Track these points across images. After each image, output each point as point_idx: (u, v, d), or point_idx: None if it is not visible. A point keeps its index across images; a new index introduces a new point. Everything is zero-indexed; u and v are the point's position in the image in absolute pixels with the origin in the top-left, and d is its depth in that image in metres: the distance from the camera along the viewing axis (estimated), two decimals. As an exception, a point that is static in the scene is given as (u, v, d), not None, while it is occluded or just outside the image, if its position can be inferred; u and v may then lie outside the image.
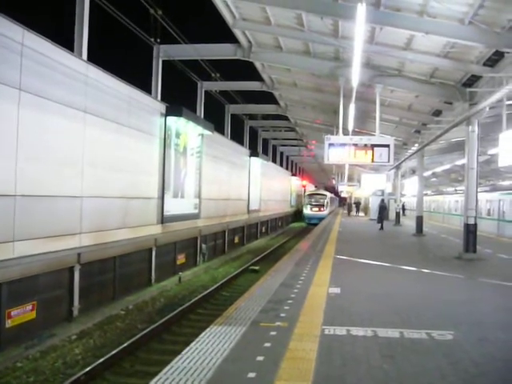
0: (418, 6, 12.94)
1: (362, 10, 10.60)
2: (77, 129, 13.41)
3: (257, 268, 22.02)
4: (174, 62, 21.92)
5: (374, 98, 19.50)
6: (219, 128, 28.82)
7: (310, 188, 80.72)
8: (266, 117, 40.16)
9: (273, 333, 7.25)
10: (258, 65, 23.09)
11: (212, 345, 6.68)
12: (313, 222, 50.35)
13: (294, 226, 58.57)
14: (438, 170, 43.42)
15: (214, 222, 26.17)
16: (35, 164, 11.63)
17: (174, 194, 20.37)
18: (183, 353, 6.39)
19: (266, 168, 42.26)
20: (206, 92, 28.20)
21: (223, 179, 28.81)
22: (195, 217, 23.17)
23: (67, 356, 10.27)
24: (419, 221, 29.09)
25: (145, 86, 19.01)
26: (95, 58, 14.98)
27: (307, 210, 57.40)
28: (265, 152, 46.04)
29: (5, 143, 10.71)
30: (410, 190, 47.00)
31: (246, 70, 25.08)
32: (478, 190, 18.52)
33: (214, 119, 25.85)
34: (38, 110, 11.71)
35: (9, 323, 10.66)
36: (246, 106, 34.69)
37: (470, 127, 17.42)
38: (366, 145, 17.02)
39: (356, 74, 15.31)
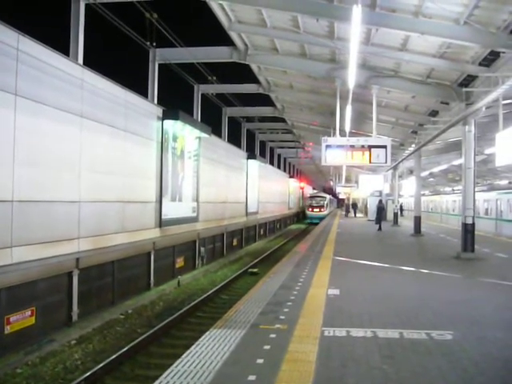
0: (413, 6, 12.98)
1: (357, 12, 10.62)
2: (73, 133, 13.40)
3: (256, 270, 22.01)
4: (170, 65, 21.93)
5: (371, 99, 19.55)
6: (216, 131, 28.82)
7: (308, 190, 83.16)
8: (263, 119, 40.22)
9: (272, 335, 7.25)
10: (254, 67, 23.15)
11: (212, 348, 6.67)
12: (314, 222, 55.46)
13: (292, 228, 58.57)
14: (436, 170, 43.57)
15: (212, 225, 26.14)
16: (32, 169, 11.62)
17: (172, 198, 20.36)
18: (183, 356, 6.38)
19: (264, 170, 42.27)
20: (202, 95, 28.23)
21: (221, 182, 28.81)
22: (193, 220, 23.15)
23: (67, 361, 10.24)
24: (417, 221, 29.12)
25: (141, 90, 19.02)
26: (91, 62, 15.01)
27: (309, 211, 64.15)
28: (262, 154, 46.07)
29: (1, 149, 10.69)
30: (408, 190, 47.05)
31: (242, 72, 25.15)
32: (476, 189, 18.51)
33: (211, 122, 25.90)
34: (33, 115, 11.69)
35: (8, 329, 10.62)
36: (242, 108, 34.71)
37: (467, 127, 17.46)
38: (363, 146, 17.03)
39: (352, 76, 15.33)
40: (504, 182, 40.35)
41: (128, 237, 16.28)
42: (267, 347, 6.68)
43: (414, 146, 29.43)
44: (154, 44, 19.98)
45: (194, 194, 23.36)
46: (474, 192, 17.79)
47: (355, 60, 14.04)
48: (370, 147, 16.94)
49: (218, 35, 19.75)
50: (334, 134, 20.43)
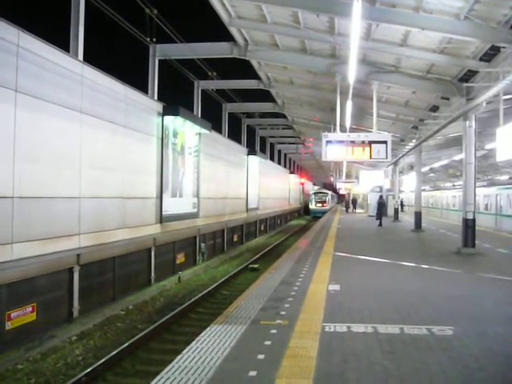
0: (413, 1, 12.95)
1: (357, 7, 10.59)
2: (73, 129, 13.40)
3: (256, 266, 22.03)
4: (170, 61, 21.91)
5: (371, 95, 19.53)
6: (217, 127, 28.81)
7: (309, 185, 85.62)
8: (264, 115, 40.23)
9: (273, 331, 7.25)
10: (254, 63, 23.12)
11: (213, 344, 6.68)
12: (318, 216, 59.56)
13: (292, 223, 58.60)
14: (436, 165, 43.56)
15: (212, 220, 26.16)
16: (33, 165, 11.62)
17: (173, 194, 20.36)
18: (184, 352, 6.39)
19: (264, 166, 42.26)
20: (202, 91, 28.20)
21: (221, 178, 28.82)
22: (194, 216, 23.16)
23: (68, 357, 10.26)
24: (418, 216, 29.10)
25: (141, 86, 19.02)
26: (91, 58, 14.99)
27: (313, 206, 69.52)
28: (262, 150, 46.04)
29: (2, 145, 10.69)
30: (408, 185, 47.04)
31: (242, 68, 25.11)
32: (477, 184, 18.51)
33: (211, 118, 25.90)
34: (34, 111, 11.69)
35: (9, 325, 10.65)
36: (243, 104, 34.69)
37: (468, 122, 17.42)
38: (363, 141, 17.02)
39: (352, 71, 15.30)
40: (504, 178, 40.39)
41: (129, 233, 16.29)
42: (268, 343, 6.68)
43: (414, 141, 29.39)
44: (154, 40, 19.99)
45: (195, 190, 23.36)
46: (475, 187, 17.78)
47: (355, 55, 14.01)
48: (371, 143, 16.94)
49: (218, 31, 19.76)
50: (335, 129, 20.42)
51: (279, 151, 59.01)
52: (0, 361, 9.83)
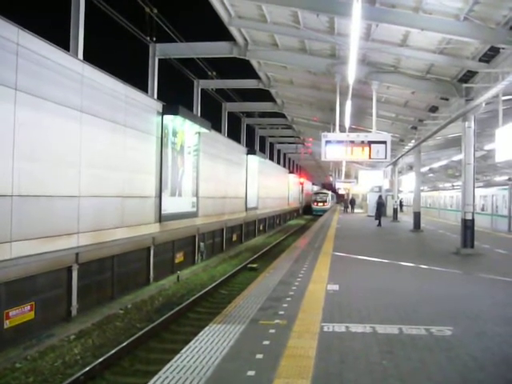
0: (413, 2, 12.97)
1: (357, 7, 10.58)
2: (73, 128, 13.40)
3: (255, 266, 22.03)
4: (170, 60, 21.90)
5: (371, 95, 19.53)
6: (216, 126, 28.80)
7: (308, 185, 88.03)
8: (263, 114, 40.20)
9: (272, 330, 7.26)
10: (254, 63, 23.11)
11: (211, 343, 6.68)
12: (319, 214, 65.16)
13: (291, 223, 58.61)
14: (435, 165, 43.57)
15: (211, 220, 26.16)
16: (32, 164, 11.62)
17: (172, 193, 20.36)
18: (182, 351, 6.39)
19: (264, 166, 42.25)
20: (202, 90, 28.19)
21: (221, 177, 28.82)
22: (193, 215, 23.16)
23: (66, 356, 10.25)
24: (417, 217, 29.12)
25: (141, 85, 19.00)
26: (91, 56, 14.98)
27: (314, 205, 75.80)
28: (262, 150, 46.02)
29: (1, 143, 10.69)
30: (407, 186, 47.12)
31: (242, 67, 25.09)
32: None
33: (210, 117, 25.88)
34: (34, 109, 11.69)
35: (7, 324, 10.65)
36: (242, 103, 34.68)
37: (467, 123, 17.44)
38: (362, 141, 17.05)
39: (352, 71, 15.29)
40: (501, 178, 40.57)
41: (127, 232, 16.29)
42: (266, 342, 6.69)
43: (413, 141, 29.42)
44: (154, 39, 19.98)
45: (194, 189, 23.36)
46: (474, 188, 17.79)
47: (355, 55, 13.99)
48: (370, 143, 16.97)
49: (218, 30, 19.75)
50: (334, 129, 20.42)
51: (278, 151, 59.01)
52: (-2, 359, 9.84)
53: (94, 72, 14.55)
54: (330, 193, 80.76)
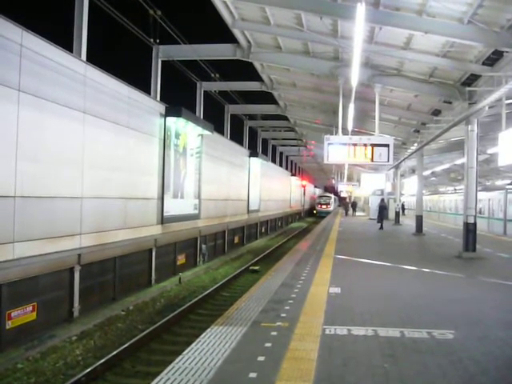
0: (417, 5, 12.95)
1: (361, 10, 10.60)
2: (76, 130, 13.39)
3: (257, 268, 22.03)
4: (173, 62, 21.91)
5: (374, 98, 19.51)
6: (219, 128, 28.81)
7: (310, 188, 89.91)
8: (266, 117, 40.17)
9: (273, 333, 7.25)
10: (257, 65, 23.10)
11: (213, 345, 6.68)
12: (322, 215, 70.29)
13: (293, 226, 58.58)
14: (438, 169, 43.54)
15: (213, 222, 26.15)
16: (35, 165, 11.61)
17: (174, 195, 20.36)
18: (184, 353, 6.39)
19: (266, 168, 42.22)
20: (205, 92, 28.20)
21: (223, 179, 28.80)
22: (195, 217, 23.15)
23: (68, 357, 10.26)
24: (419, 220, 29.10)
25: (144, 87, 19.01)
26: (94, 58, 14.99)
27: (318, 207, 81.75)
28: (264, 152, 46.03)
29: (4, 144, 10.68)
30: (409, 189, 47.21)
31: (245, 70, 25.11)
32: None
33: (213, 119, 25.83)
34: (37, 110, 11.69)
35: (9, 324, 10.66)
36: (245, 106, 34.65)
37: (470, 126, 17.42)
38: (365, 144, 17.06)
39: (355, 74, 15.31)
40: (503, 182, 40.83)
41: (130, 233, 16.29)
42: (268, 345, 6.68)
43: (416, 144, 29.42)
44: (158, 41, 19.99)
45: (196, 191, 23.35)
46: (476, 191, 17.78)
47: (358, 58, 14.01)
48: (373, 146, 16.98)
49: (221, 33, 19.78)
50: (337, 132, 20.37)
51: (281, 153, 58.99)
52: (0, 360, 9.83)
53: (97, 73, 14.55)
54: (332, 196, 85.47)
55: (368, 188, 46.88)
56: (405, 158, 33.36)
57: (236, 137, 35.41)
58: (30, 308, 11.34)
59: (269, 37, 19.11)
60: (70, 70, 13.08)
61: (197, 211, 23.40)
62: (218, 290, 17.44)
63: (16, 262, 10.83)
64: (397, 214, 38.34)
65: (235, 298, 13.89)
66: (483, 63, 15.40)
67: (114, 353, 10.16)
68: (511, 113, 17.14)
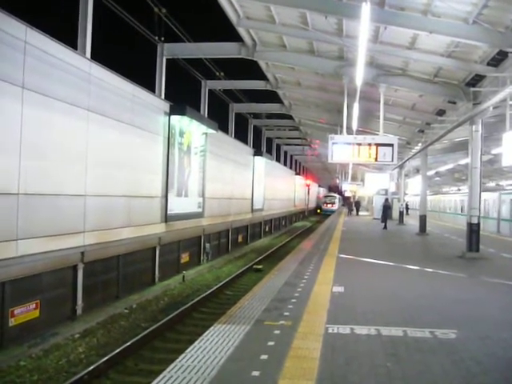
0: (422, 5, 12.94)
1: (366, 9, 10.60)
2: (80, 127, 13.40)
3: (260, 267, 22.02)
4: (177, 60, 21.92)
5: (378, 98, 19.50)
6: (223, 127, 28.78)
7: (314, 187, 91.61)
8: (270, 116, 40.15)
9: (277, 331, 7.26)
10: (262, 64, 23.09)
11: (216, 343, 6.69)
12: (328, 213, 72.37)
13: (297, 225, 58.56)
14: (442, 169, 43.52)
15: (217, 220, 26.16)
16: (38, 162, 11.62)
17: (178, 193, 20.36)
18: (187, 351, 6.40)
19: (270, 167, 42.18)
20: (209, 91, 28.17)
21: (227, 178, 28.79)
22: (199, 216, 23.16)
23: (71, 354, 10.27)
24: (423, 220, 29.08)
25: (148, 85, 19.01)
26: (99, 56, 15.00)
27: (324, 206, 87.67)
28: (269, 151, 45.96)
29: (8, 141, 10.70)
30: (414, 189, 47.22)
31: (250, 68, 25.04)
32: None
33: (217, 118, 25.86)
34: (40, 108, 11.69)
35: (12, 322, 10.67)
36: (250, 104, 34.63)
37: (474, 127, 17.39)
38: (369, 144, 17.07)
39: (360, 73, 15.30)
40: (507, 183, 41.03)
41: (133, 231, 16.30)
42: (271, 343, 6.69)
43: (420, 144, 29.36)
44: (162, 39, 19.99)
45: (200, 190, 23.34)
46: (480, 192, 17.75)
47: (363, 58, 14.01)
48: (377, 145, 16.99)
49: (226, 31, 19.74)
50: (341, 131, 20.38)
51: (285, 152, 58.92)
52: (3, 357, 9.85)
53: (102, 71, 14.55)
54: (337, 196, 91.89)
55: (372, 188, 46.86)
56: (409, 158, 33.33)
57: (240, 135, 35.47)
58: (33, 305, 11.36)
59: (274, 35, 19.11)
60: (75, 68, 13.02)
61: (201, 210, 23.40)
62: (221, 288, 17.44)
63: (19, 259, 10.84)
64: (401, 213, 38.32)
65: (238, 296, 13.90)
66: (488, 64, 15.38)
67: (117, 351, 10.16)
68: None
